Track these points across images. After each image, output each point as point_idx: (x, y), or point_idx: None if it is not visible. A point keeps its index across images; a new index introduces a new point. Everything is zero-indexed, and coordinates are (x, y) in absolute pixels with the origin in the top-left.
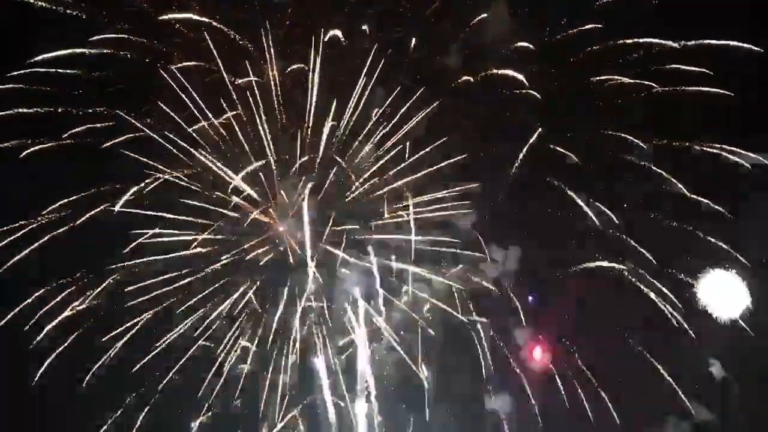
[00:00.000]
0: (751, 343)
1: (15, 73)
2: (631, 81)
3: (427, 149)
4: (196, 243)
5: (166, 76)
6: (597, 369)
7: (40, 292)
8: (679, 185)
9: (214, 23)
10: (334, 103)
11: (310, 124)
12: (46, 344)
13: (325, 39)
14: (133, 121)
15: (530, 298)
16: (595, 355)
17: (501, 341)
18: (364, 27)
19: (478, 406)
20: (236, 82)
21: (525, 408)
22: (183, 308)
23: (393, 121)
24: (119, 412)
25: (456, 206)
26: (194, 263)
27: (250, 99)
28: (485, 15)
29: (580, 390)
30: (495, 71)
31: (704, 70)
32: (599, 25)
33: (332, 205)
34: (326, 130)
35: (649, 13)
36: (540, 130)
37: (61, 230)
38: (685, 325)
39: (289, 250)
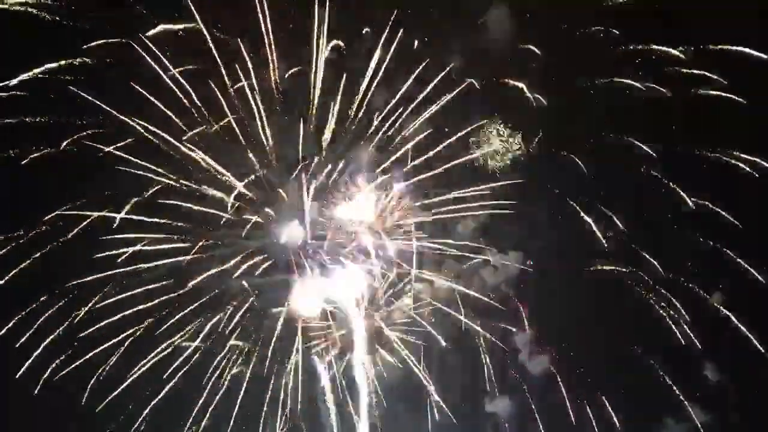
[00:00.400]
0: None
1: (15, 80)
2: (641, 86)
3: (430, 153)
4: (196, 249)
5: (167, 79)
6: (597, 372)
7: (44, 297)
8: (683, 194)
9: (216, 32)
10: (337, 105)
11: (312, 125)
12: (45, 354)
13: (327, 48)
14: (135, 124)
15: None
16: (595, 358)
17: (502, 344)
18: (367, 30)
19: (478, 408)
20: (236, 86)
21: (525, 411)
22: (183, 313)
23: (395, 125)
24: (121, 418)
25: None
26: (194, 268)
27: (252, 101)
28: (490, 17)
29: (581, 393)
30: (498, 77)
31: (715, 76)
32: (606, 29)
33: (335, 207)
34: (328, 132)
35: (660, 17)
36: (540, 135)
37: (61, 240)
38: (687, 330)
39: (290, 253)
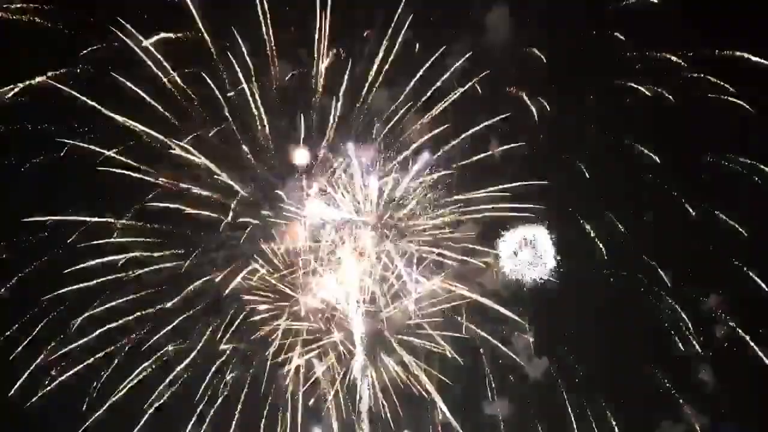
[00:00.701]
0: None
1: (18, 86)
2: (644, 90)
3: (433, 156)
4: (194, 254)
5: (168, 84)
6: (596, 375)
7: (44, 304)
8: (686, 205)
9: (216, 35)
10: (339, 105)
11: (314, 126)
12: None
13: (329, 50)
14: (135, 129)
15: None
16: (594, 361)
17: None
18: (367, 32)
19: (478, 410)
20: (238, 88)
21: (525, 413)
22: (181, 318)
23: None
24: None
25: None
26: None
27: (252, 103)
28: (491, 19)
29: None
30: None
31: (717, 80)
32: (610, 33)
33: (336, 208)
34: (330, 132)
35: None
36: (541, 137)
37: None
38: (687, 334)
39: (293, 255)
